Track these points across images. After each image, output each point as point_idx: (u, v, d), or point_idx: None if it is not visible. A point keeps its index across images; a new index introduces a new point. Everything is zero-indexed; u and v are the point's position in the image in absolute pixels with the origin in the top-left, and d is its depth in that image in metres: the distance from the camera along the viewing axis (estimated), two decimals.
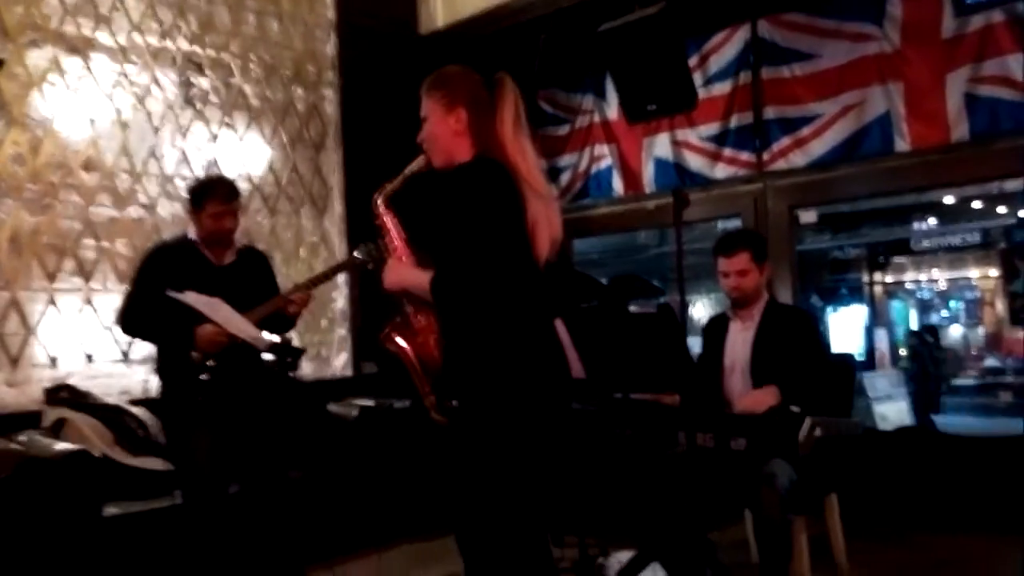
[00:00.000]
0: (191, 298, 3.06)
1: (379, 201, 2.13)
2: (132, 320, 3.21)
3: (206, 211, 3.16)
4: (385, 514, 4.01)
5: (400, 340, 2.07)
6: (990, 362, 11.81)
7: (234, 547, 3.15)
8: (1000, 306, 12.08)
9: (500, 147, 2.00)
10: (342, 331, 4.96)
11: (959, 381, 11.76)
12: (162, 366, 3.25)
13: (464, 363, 1.95)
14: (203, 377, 3.08)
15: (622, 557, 3.47)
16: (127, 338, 4.15)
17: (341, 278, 4.90)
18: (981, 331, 12.35)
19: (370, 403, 4.23)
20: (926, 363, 10.17)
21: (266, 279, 3.37)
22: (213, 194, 3.18)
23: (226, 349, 3.07)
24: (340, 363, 4.94)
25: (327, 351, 4.89)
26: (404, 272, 2.06)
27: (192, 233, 3.25)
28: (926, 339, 10.60)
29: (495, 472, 1.91)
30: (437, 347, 2.03)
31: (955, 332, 12.64)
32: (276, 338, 3.20)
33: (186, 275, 3.13)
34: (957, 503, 3.78)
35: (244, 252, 3.33)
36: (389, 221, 2.13)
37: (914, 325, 12.67)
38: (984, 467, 3.81)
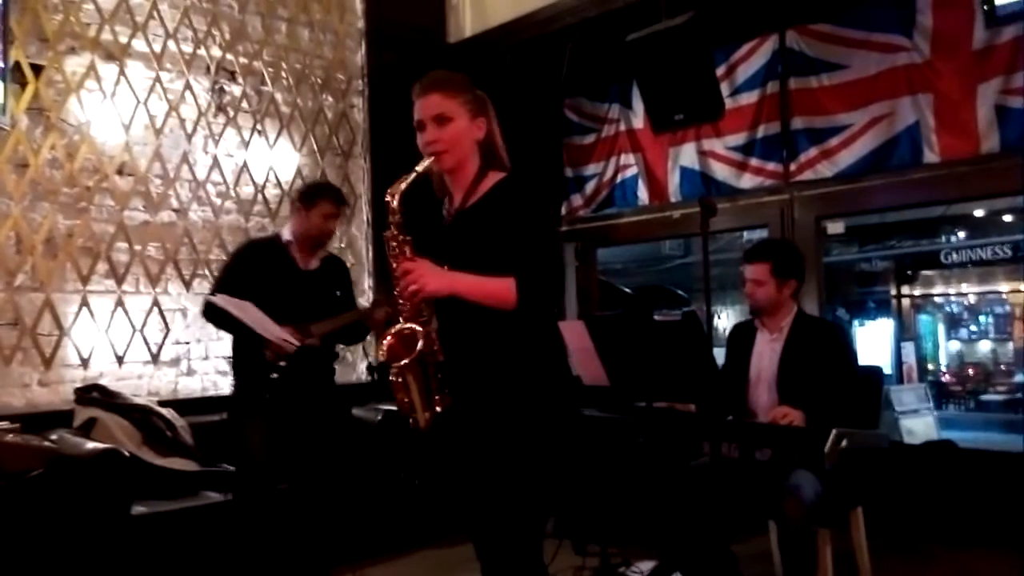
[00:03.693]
0: (221, 300, 3.16)
1: (396, 199, 1.95)
2: (215, 310, 3.28)
3: (317, 209, 3.28)
4: (408, 519, 4.03)
5: (414, 351, 1.92)
6: (1020, 378, 11.60)
7: (261, 547, 3.19)
8: None
9: (502, 161, 2.06)
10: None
11: (987, 397, 11.57)
12: (236, 361, 3.37)
13: (521, 364, 1.94)
14: (273, 376, 3.19)
15: (644, 567, 3.47)
16: (155, 340, 4.24)
17: (364, 284, 4.98)
18: (1011, 346, 12.15)
19: (393, 408, 4.25)
20: None
21: (345, 288, 3.48)
22: (327, 195, 3.32)
23: (299, 352, 3.17)
24: (364, 368, 4.99)
25: (352, 356, 4.93)
26: (450, 276, 1.91)
27: (286, 234, 3.36)
28: None
29: (540, 467, 1.94)
30: (441, 349, 1.98)
31: (984, 347, 12.44)
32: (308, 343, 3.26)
33: (272, 274, 3.27)
34: (983, 519, 3.73)
35: (327, 259, 3.44)
36: (400, 221, 1.96)
37: (942, 339, 12.51)
38: (1012, 483, 3.75)
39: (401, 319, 1.94)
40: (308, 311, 3.25)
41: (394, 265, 1.95)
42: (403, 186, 1.95)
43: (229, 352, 3.45)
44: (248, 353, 3.23)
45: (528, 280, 1.87)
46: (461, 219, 2.03)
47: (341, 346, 3.63)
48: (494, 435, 1.93)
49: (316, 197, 3.30)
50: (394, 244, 1.95)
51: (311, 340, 3.22)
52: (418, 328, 1.92)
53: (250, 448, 3.23)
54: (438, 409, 1.96)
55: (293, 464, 3.29)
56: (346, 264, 3.62)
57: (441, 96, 1.99)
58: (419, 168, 1.97)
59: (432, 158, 1.98)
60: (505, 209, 1.95)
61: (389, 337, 1.94)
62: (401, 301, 1.94)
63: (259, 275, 3.25)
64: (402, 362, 1.91)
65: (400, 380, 1.94)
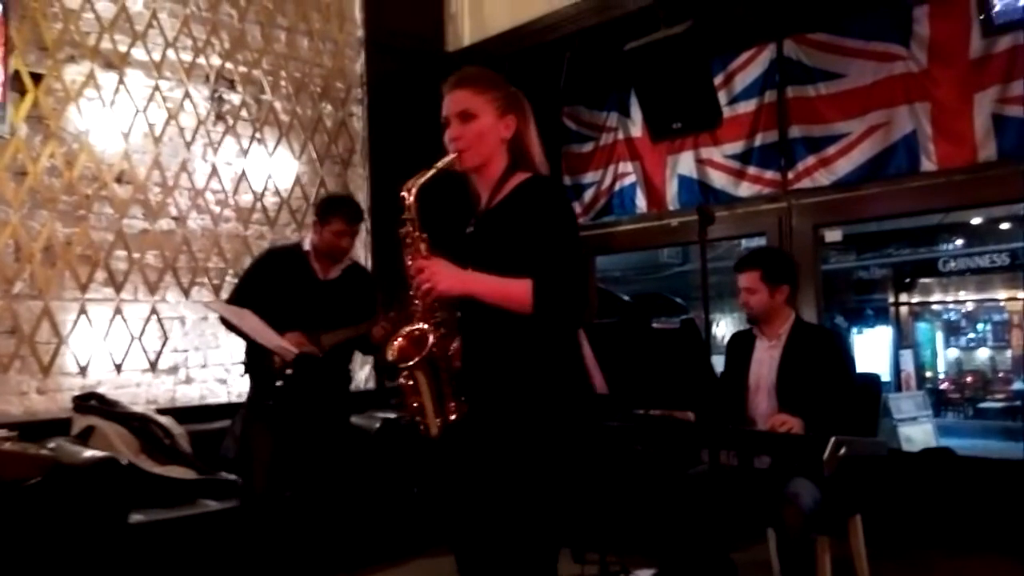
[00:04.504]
0: (219, 307, 3.18)
1: (412, 195, 1.88)
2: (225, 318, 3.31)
3: (329, 226, 3.28)
4: (404, 527, 4.02)
5: (424, 350, 1.87)
6: (1018, 385, 11.62)
7: (261, 553, 3.19)
8: None
9: (531, 162, 1.99)
10: None
11: (985, 404, 11.58)
12: (248, 367, 3.38)
13: (542, 376, 1.87)
14: (278, 383, 3.19)
15: (643, 575, 3.46)
16: (154, 348, 4.23)
17: None
18: (1009, 353, 12.16)
19: (391, 416, 4.25)
20: None
21: (366, 298, 3.45)
22: (339, 212, 3.30)
23: (306, 360, 3.17)
24: (363, 376, 4.98)
25: (351, 365, 4.92)
26: (464, 275, 1.86)
27: (307, 244, 3.37)
28: None
29: (557, 482, 1.87)
30: (457, 355, 1.95)
31: (982, 355, 12.46)
32: (305, 350, 3.26)
33: (291, 282, 3.28)
34: (982, 526, 3.73)
35: (349, 269, 3.43)
36: (415, 217, 1.90)
37: (940, 347, 12.52)
38: (1009, 491, 3.75)
39: (414, 318, 1.89)
40: (325, 320, 3.25)
41: (408, 262, 1.89)
42: (421, 181, 1.88)
43: (234, 359, 3.46)
44: (258, 360, 3.24)
45: (545, 283, 1.79)
46: (485, 219, 1.96)
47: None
48: (510, 447, 1.86)
49: (329, 214, 3.29)
50: (409, 241, 1.89)
51: (308, 348, 3.21)
52: (428, 328, 1.87)
53: (256, 454, 3.24)
54: (451, 417, 1.90)
55: (298, 471, 3.29)
56: (369, 274, 3.58)
57: (468, 92, 1.92)
58: (439, 164, 1.90)
59: (454, 155, 1.91)
60: (527, 209, 1.87)
61: (400, 338, 1.90)
62: (414, 300, 1.88)
63: (277, 283, 3.26)
64: (411, 362, 1.86)
65: (411, 383, 1.88)
